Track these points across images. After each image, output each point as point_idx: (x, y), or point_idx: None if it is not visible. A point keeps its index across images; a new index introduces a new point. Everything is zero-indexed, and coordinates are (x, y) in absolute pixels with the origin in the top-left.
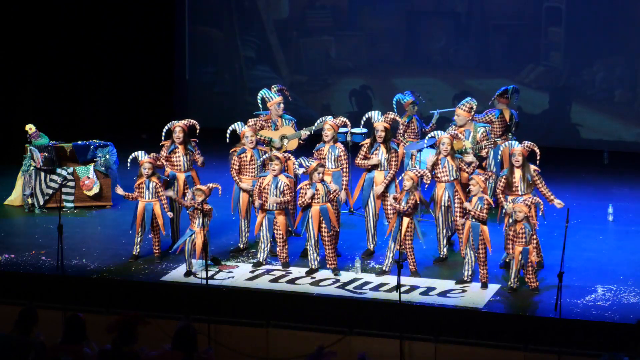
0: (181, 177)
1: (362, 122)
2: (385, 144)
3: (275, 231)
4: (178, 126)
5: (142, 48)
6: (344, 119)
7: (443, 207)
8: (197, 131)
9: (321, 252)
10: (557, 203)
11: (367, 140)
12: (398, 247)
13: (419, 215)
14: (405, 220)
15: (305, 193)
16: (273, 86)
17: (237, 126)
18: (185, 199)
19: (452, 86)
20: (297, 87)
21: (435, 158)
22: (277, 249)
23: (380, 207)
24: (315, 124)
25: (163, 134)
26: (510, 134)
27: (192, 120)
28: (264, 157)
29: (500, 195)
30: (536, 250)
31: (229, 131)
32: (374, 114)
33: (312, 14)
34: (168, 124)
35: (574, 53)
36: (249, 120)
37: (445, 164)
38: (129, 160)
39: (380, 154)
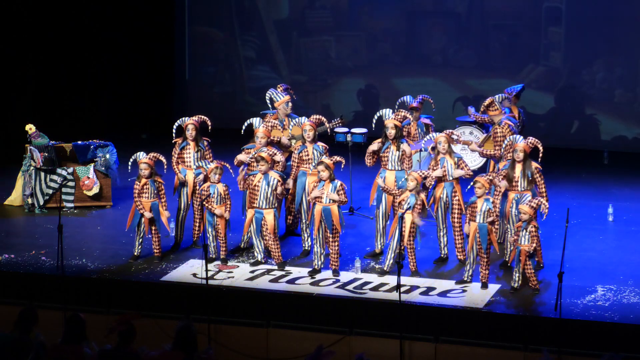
0: (191, 174)
1: (374, 121)
2: (395, 141)
3: (263, 231)
4: (191, 124)
5: (142, 48)
6: (318, 116)
7: (443, 207)
8: (210, 128)
9: (325, 252)
10: (545, 207)
11: (379, 140)
12: (399, 248)
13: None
14: (408, 220)
15: (312, 190)
16: (279, 85)
17: (255, 121)
18: (201, 189)
19: (452, 86)
20: (297, 87)
21: (434, 159)
22: (270, 249)
23: (391, 208)
24: (321, 126)
25: (174, 131)
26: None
27: (202, 117)
28: (249, 158)
29: (500, 190)
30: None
31: (245, 124)
32: (386, 112)
33: (312, 14)
34: (178, 121)
35: (574, 53)
36: (268, 120)
37: (445, 164)
38: (130, 162)
39: (391, 153)
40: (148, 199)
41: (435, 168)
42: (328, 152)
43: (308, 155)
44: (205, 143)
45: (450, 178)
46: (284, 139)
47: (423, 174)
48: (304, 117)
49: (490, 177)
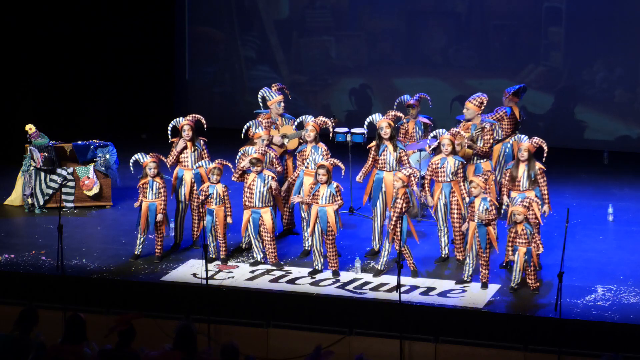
0: (188, 174)
1: (365, 126)
2: (391, 141)
3: (261, 230)
4: (186, 124)
5: (142, 48)
6: (325, 119)
7: (442, 208)
8: (205, 127)
9: (323, 252)
10: (547, 208)
11: (374, 142)
12: (397, 248)
13: (419, 215)
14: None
15: (308, 192)
16: (273, 85)
17: (253, 124)
18: (200, 191)
19: (452, 86)
20: (297, 87)
21: (437, 158)
22: (265, 248)
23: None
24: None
25: (169, 131)
26: (517, 131)
27: (197, 115)
28: (243, 159)
29: (504, 189)
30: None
31: (245, 128)
32: (375, 116)
33: (312, 14)
34: (173, 121)
35: (574, 53)
36: (263, 121)
37: (445, 164)
38: (130, 163)
39: (388, 154)
40: (146, 200)
41: (434, 167)
42: (329, 154)
43: (305, 156)
44: (202, 142)
45: (449, 179)
46: (276, 138)
47: (408, 171)
48: (309, 116)
49: (486, 177)
